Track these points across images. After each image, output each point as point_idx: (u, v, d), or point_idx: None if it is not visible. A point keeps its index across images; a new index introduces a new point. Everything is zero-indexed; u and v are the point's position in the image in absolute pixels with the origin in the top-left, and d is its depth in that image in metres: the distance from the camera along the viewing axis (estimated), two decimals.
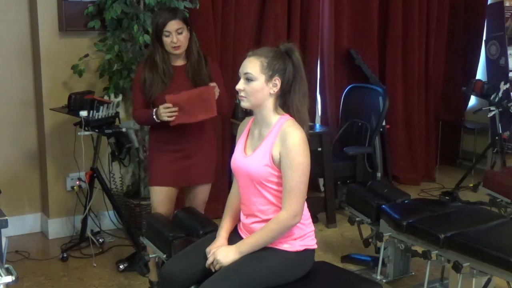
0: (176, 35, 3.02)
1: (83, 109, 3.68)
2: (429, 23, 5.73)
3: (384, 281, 3.52)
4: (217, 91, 3.08)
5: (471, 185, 5.35)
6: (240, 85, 2.30)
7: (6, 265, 2.10)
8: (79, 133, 3.77)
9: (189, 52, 3.13)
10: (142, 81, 3.10)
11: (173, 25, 3.02)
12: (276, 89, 2.29)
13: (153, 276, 3.30)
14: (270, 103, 2.31)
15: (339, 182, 4.85)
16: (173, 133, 3.08)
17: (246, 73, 2.28)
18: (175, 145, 3.13)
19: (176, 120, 3.01)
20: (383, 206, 3.42)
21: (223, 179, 4.54)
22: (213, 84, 3.08)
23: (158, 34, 3.05)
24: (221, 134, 4.56)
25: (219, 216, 2.67)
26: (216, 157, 3.39)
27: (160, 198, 3.17)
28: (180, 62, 3.14)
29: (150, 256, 2.99)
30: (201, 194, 3.28)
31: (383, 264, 3.55)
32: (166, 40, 3.04)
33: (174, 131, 3.06)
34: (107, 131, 3.71)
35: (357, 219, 3.62)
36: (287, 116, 2.31)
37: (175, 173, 3.16)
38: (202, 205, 3.32)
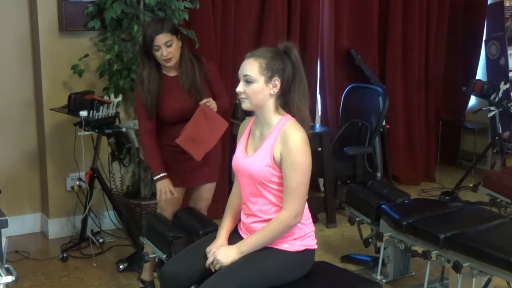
0: (165, 48, 2.98)
1: (83, 109, 3.68)
2: (429, 23, 5.73)
3: (384, 281, 3.52)
4: (212, 104, 3.06)
5: (471, 185, 5.35)
6: (240, 88, 2.30)
7: (6, 265, 2.10)
8: (79, 133, 3.77)
9: (181, 61, 3.08)
10: (142, 102, 3.06)
11: (161, 39, 2.97)
12: (276, 90, 2.29)
13: (146, 275, 3.29)
14: (271, 103, 2.31)
15: (339, 182, 4.85)
16: (176, 135, 3.05)
17: (245, 75, 2.28)
18: (179, 146, 3.08)
19: (199, 154, 3.02)
20: (383, 206, 3.42)
21: (224, 179, 4.54)
22: (203, 101, 3.06)
23: (146, 48, 3.02)
24: None
25: (219, 216, 2.67)
26: (220, 154, 3.37)
27: (169, 198, 3.16)
28: (173, 73, 3.11)
29: (150, 256, 2.99)
30: (206, 193, 3.28)
31: (383, 264, 3.55)
32: (157, 54, 3.01)
33: (177, 133, 3.04)
34: (107, 131, 3.70)
35: (357, 219, 3.62)
36: (288, 117, 2.31)
37: (182, 174, 3.15)
38: (207, 205, 3.31)
